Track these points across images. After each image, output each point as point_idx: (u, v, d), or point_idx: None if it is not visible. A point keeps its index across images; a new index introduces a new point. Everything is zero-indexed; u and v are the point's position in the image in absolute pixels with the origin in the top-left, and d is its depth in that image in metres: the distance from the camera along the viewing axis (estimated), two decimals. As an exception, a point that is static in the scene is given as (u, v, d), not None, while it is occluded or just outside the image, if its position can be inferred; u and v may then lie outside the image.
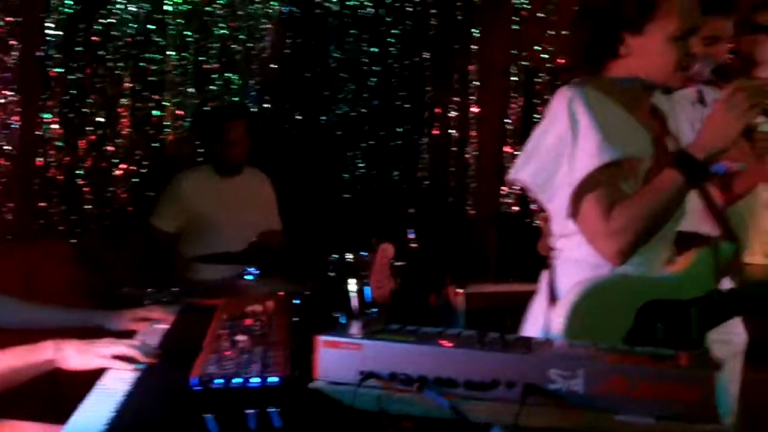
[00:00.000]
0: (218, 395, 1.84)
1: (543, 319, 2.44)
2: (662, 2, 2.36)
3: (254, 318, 2.57)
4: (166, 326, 2.82)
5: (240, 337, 2.25)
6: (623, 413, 1.68)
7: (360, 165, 5.89)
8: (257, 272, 3.67)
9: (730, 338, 3.06)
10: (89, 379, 2.22)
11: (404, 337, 1.87)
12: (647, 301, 2.31)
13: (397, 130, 5.95)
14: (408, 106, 5.97)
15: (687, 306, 2.38)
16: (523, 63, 5.80)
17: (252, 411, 1.82)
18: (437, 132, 5.91)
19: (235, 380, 1.85)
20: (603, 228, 2.29)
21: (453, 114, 5.92)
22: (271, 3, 5.67)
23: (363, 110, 5.91)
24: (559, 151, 2.33)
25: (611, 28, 2.41)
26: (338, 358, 1.83)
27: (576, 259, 2.42)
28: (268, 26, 5.66)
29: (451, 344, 1.82)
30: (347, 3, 5.87)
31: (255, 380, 1.86)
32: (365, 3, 5.92)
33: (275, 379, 1.87)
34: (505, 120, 5.80)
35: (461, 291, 4.23)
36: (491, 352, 1.79)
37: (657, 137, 2.49)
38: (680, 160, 2.29)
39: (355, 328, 1.90)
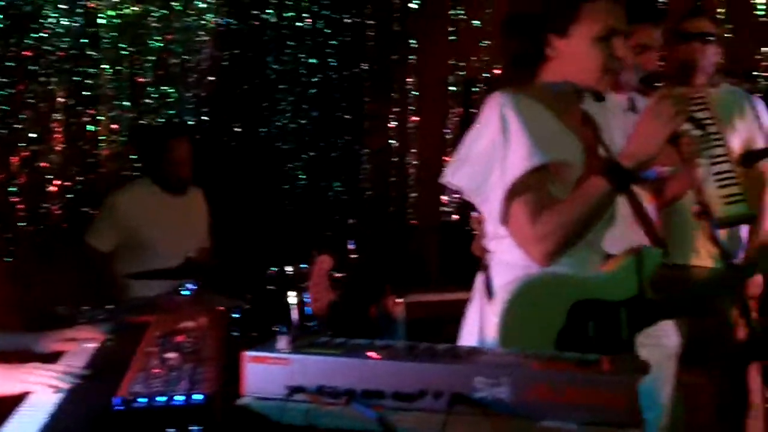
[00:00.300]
0: (141, 415, 1.80)
1: (478, 321, 2.46)
2: (585, 4, 2.39)
3: (186, 334, 2.54)
4: (95, 345, 2.78)
5: (170, 355, 2.23)
6: (548, 420, 1.68)
7: (300, 176, 5.87)
8: (194, 288, 3.63)
9: (661, 341, 3.10)
10: (11, 404, 2.17)
11: (332, 350, 1.86)
12: (578, 300, 2.34)
13: (338, 141, 5.95)
14: (348, 117, 5.97)
15: (617, 306, 2.41)
16: (460, 73, 5.82)
17: (173, 431, 1.79)
18: (377, 143, 5.91)
19: (159, 399, 1.82)
20: (531, 231, 2.32)
21: (393, 124, 5.93)
22: (207, 15, 5.63)
23: (303, 122, 5.89)
24: (491, 155, 2.36)
25: (538, 32, 2.44)
26: (265, 374, 1.81)
27: (508, 262, 2.44)
28: (204, 38, 5.62)
29: (379, 356, 1.82)
30: (285, 15, 5.86)
31: (179, 398, 1.83)
32: (303, 15, 5.91)
33: (200, 396, 1.84)
34: (444, 130, 5.82)
35: (401, 301, 4.24)
36: (419, 362, 1.79)
37: (588, 144, 2.51)
38: (608, 168, 2.32)
39: (282, 342, 1.88)
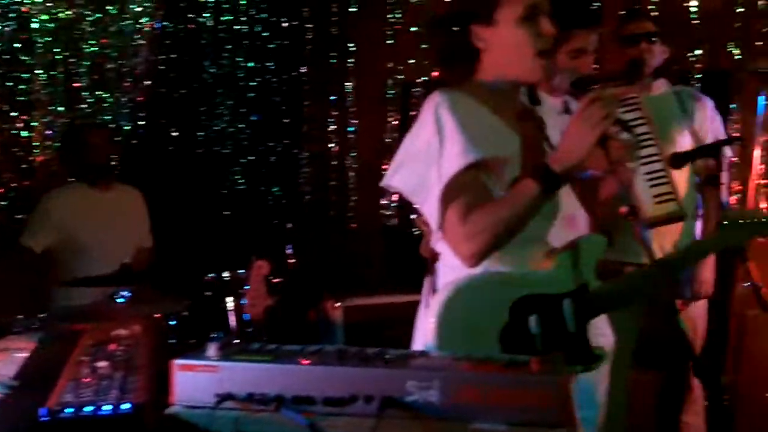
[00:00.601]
0: (69, 425, 1.78)
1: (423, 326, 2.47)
2: None
3: (119, 343, 2.51)
4: (25, 355, 2.73)
5: (101, 364, 2.20)
6: (478, 421, 1.69)
7: (239, 181, 5.84)
8: (129, 295, 3.59)
9: (596, 340, 3.13)
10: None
11: (262, 356, 1.85)
12: (520, 296, 2.36)
13: (277, 145, 5.92)
14: (287, 121, 5.95)
15: (559, 298, 2.43)
16: (399, 77, 5.83)
17: (100, 439, 1.77)
18: (316, 146, 5.91)
19: (87, 409, 1.80)
20: (460, 230, 2.33)
21: (332, 128, 5.92)
22: (143, 19, 5.58)
23: (241, 126, 5.86)
24: (428, 156, 2.36)
25: (462, 24, 2.45)
26: (194, 382, 1.80)
27: (453, 263, 2.45)
28: (140, 42, 5.56)
29: (309, 361, 1.81)
30: (222, 18, 5.83)
31: (107, 408, 1.81)
32: (240, 18, 5.88)
33: (128, 405, 1.82)
34: (383, 133, 5.83)
35: (339, 305, 4.23)
36: (349, 367, 1.79)
37: (528, 139, 2.54)
38: (537, 171, 2.34)
39: (212, 350, 1.86)
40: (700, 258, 2.91)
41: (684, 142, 3.82)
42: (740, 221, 2.77)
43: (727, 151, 3.89)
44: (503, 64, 2.46)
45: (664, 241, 3.75)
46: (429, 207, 2.38)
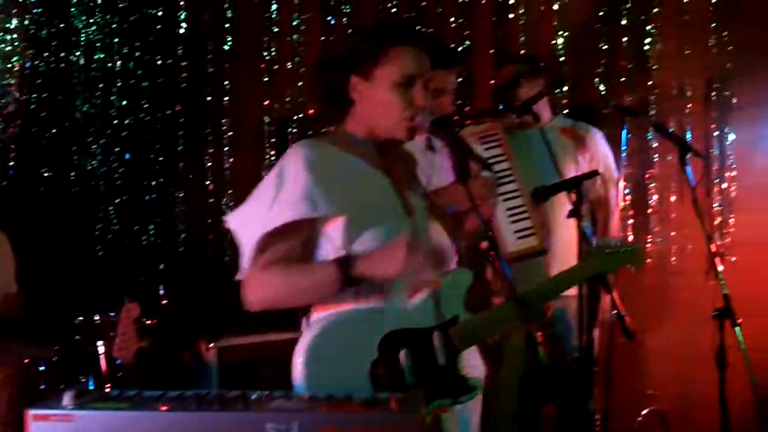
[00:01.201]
0: None
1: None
2: (387, 49, 2.47)
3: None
4: None
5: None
6: (338, 462, 1.70)
7: (113, 221, 5.73)
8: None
9: (467, 371, 3.18)
10: None
11: (120, 403, 1.83)
12: (389, 331, 2.39)
13: (152, 183, 5.84)
14: (162, 159, 5.88)
15: (429, 332, 2.47)
16: (274, 114, 5.84)
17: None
18: (192, 185, 5.85)
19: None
20: (254, 278, 2.43)
21: (208, 165, 5.88)
22: (14, 59, 5.46)
23: (115, 165, 5.76)
24: (262, 200, 2.41)
25: (343, 73, 2.50)
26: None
27: (325, 302, 2.47)
28: (10, 82, 5.43)
29: (167, 408, 1.79)
30: (94, 57, 5.74)
31: (-45, 463, 1.75)
32: (114, 55, 5.80)
33: (-22, 460, 1.77)
34: (259, 171, 5.82)
35: (213, 346, 4.19)
36: (208, 412, 1.78)
37: (399, 180, 2.59)
38: (341, 261, 2.38)
39: (67, 398, 1.83)
40: (564, 288, 3.00)
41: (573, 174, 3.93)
42: (605, 252, 2.87)
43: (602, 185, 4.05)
44: (372, 118, 2.54)
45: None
46: (244, 249, 2.42)
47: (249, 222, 2.44)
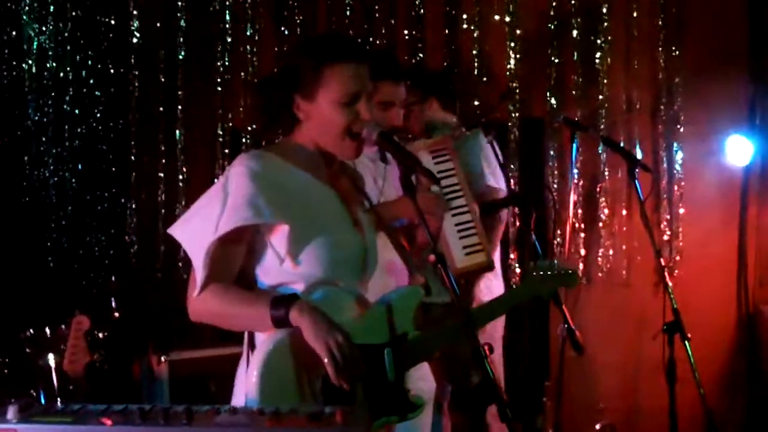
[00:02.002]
0: None
1: (244, 377, 2.47)
2: (328, 68, 2.48)
3: None
4: None
5: None
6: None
7: (64, 232, 5.67)
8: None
9: (418, 385, 3.19)
10: None
11: (63, 417, 1.82)
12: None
13: (104, 194, 5.79)
14: (114, 169, 5.84)
15: (380, 348, 2.48)
16: (228, 124, 5.83)
17: None
18: (145, 195, 5.82)
19: None
20: (192, 293, 2.42)
21: (160, 176, 5.85)
22: (-36, 67, 5.39)
23: (66, 175, 5.70)
24: (209, 211, 2.41)
25: (285, 93, 2.51)
26: (-8, 447, 1.74)
27: None
28: (-40, 91, 5.37)
29: (111, 422, 1.79)
30: (46, 65, 5.69)
31: None
32: (66, 63, 5.75)
33: None
34: (213, 181, 5.80)
35: (164, 359, 4.17)
36: (152, 426, 1.78)
37: (345, 194, 2.61)
38: (277, 303, 2.38)
39: (10, 412, 1.81)
40: (507, 307, 3.07)
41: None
42: (543, 273, 2.93)
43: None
44: (318, 136, 2.55)
45: None
46: (196, 261, 2.41)
47: (197, 232, 2.43)
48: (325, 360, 2.28)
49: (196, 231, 2.43)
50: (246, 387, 2.40)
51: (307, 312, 2.33)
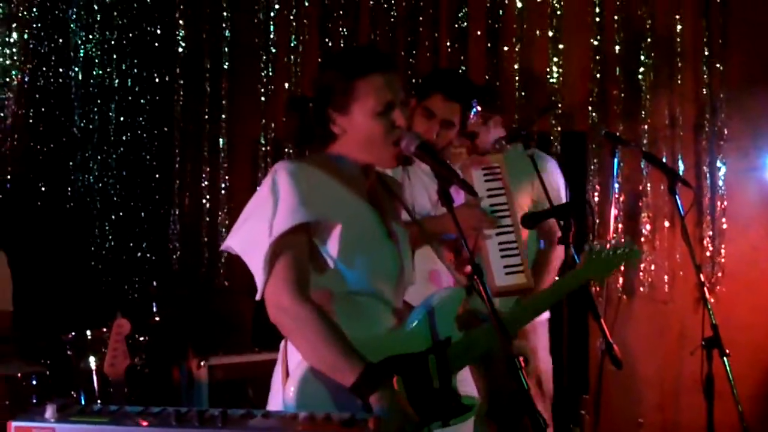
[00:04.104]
0: None
1: (281, 383, 2.46)
2: (360, 81, 2.50)
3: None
4: None
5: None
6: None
7: (109, 237, 5.76)
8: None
9: (464, 389, 3.19)
10: None
11: (101, 418, 1.85)
12: (381, 359, 2.39)
13: (148, 201, 5.88)
14: (158, 176, 5.92)
15: (423, 356, 2.48)
16: (270, 134, 5.89)
17: None
18: (188, 203, 5.89)
19: None
20: (283, 299, 2.37)
21: (204, 184, 5.92)
22: (12, 72, 5.49)
23: (111, 181, 5.79)
24: (261, 214, 2.41)
25: (320, 110, 2.53)
26: (32, 445, 1.78)
27: None
28: (8, 95, 5.47)
29: (147, 423, 1.82)
30: (92, 72, 5.79)
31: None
32: (112, 71, 5.85)
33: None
34: (255, 190, 5.85)
35: (204, 363, 4.21)
36: (186, 428, 1.80)
37: (382, 206, 2.62)
38: (360, 383, 2.30)
39: (49, 411, 1.85)
40: (570, 288, 3.01)
41: (528, 202, 3.96)
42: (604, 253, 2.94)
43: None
44: (356, 148, 2.55)
45: None
46: (255, 264, 2.41)
47: (253, 238, 2.42)
48: None
49: (250, 236, 2.42)
50: (280, 394, 2.41)
51: (386, 402, 2.29)
